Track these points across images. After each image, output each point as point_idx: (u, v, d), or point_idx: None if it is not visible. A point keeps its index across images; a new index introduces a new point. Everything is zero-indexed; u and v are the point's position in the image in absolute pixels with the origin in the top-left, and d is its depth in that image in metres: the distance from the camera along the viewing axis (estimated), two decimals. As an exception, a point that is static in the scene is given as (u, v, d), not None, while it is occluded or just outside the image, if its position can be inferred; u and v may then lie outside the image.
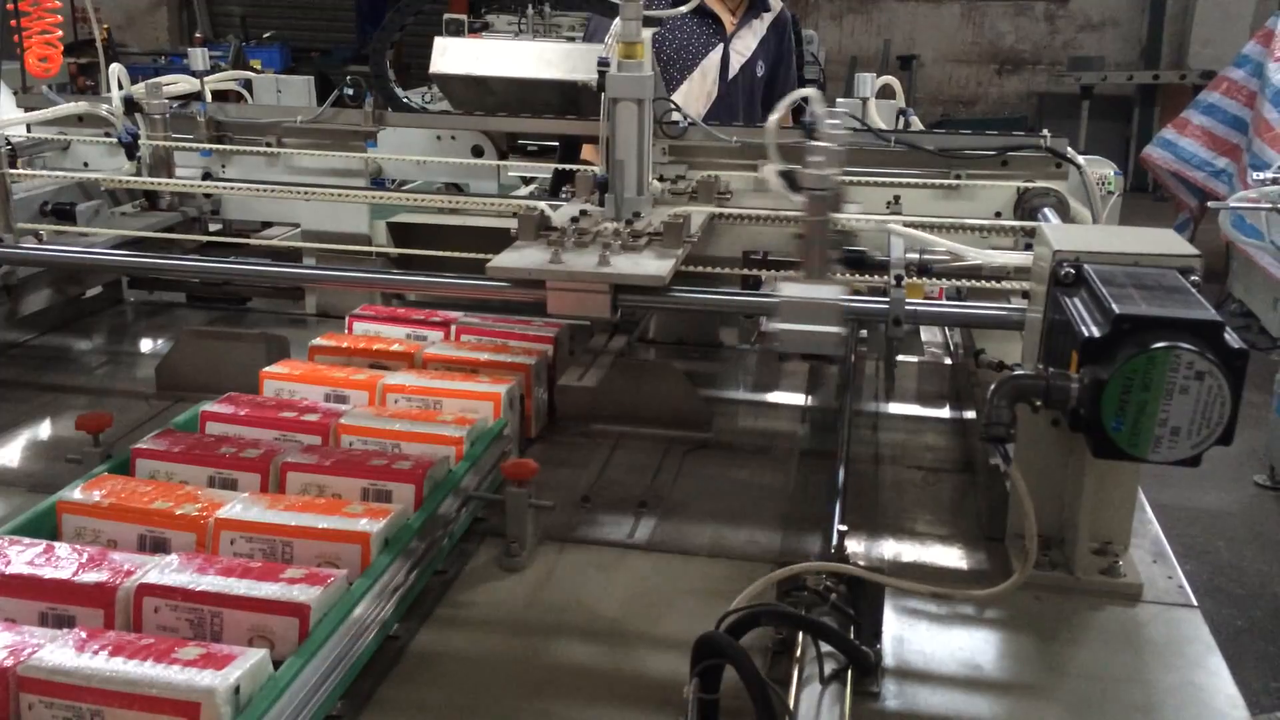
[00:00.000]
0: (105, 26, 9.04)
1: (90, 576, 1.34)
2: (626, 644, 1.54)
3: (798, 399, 2.41)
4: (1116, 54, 11.67)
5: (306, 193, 2.52)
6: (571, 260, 1.89)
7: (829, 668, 1.32)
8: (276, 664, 1.24)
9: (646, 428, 2.17)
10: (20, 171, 2.35)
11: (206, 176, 2.73)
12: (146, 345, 2.77)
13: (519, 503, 1.70)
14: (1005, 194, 2.48)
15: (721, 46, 3.85)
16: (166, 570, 1.36)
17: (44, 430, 2.20)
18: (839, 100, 2.64)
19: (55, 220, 2.37)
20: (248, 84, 3.08)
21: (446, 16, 7.42)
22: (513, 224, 2.04)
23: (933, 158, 2.53)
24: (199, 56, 2.81)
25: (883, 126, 2.67)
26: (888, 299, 1.87)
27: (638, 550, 1.77)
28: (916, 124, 2.96)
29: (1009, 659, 1.54)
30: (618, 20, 2.03)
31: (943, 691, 1.45)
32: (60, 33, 3.35)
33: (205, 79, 2.79)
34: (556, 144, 3.34)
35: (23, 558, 1.37)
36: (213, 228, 2.85)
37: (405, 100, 2.87)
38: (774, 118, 2.49)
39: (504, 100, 3.03)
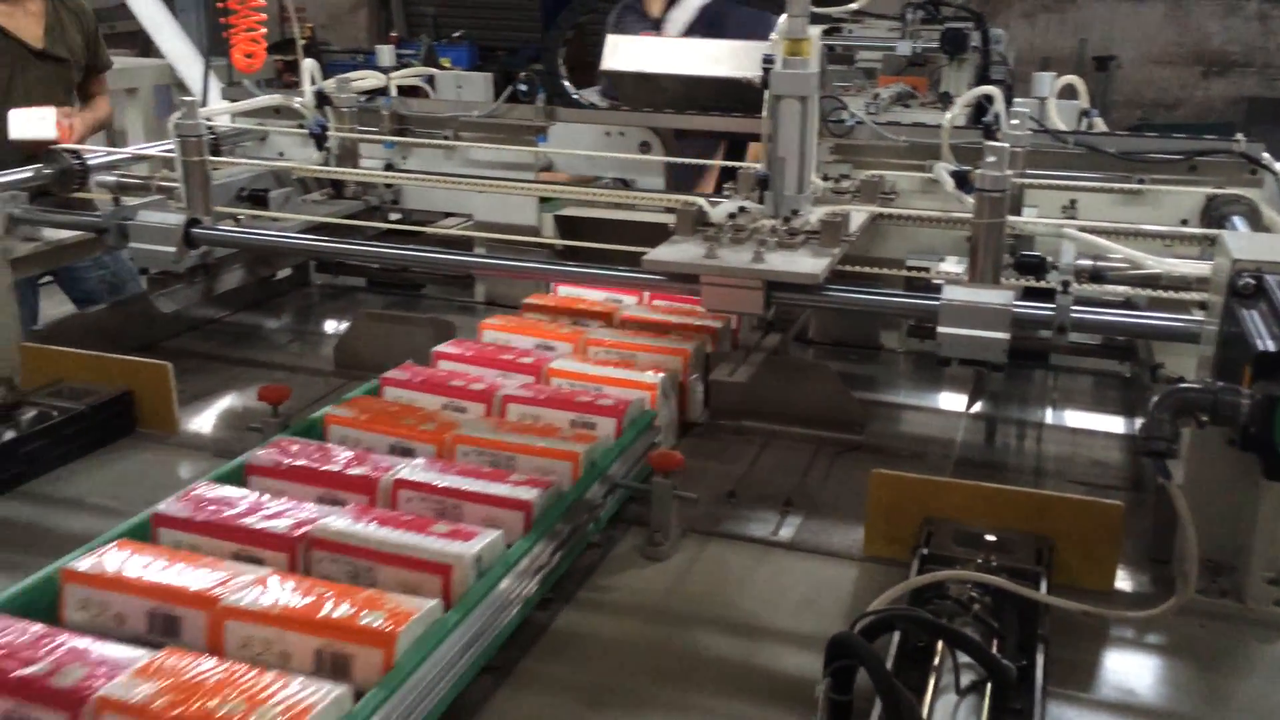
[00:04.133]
0: (309, 26, 9.56)
1: (356, 471, 1.61)
2: (763, 639, 1.54)
3: (957, 405, 2.35)
4: (1339, 55, 10.82)
5: (480, 184, 2.61)
6: (726, 255, 1.90)
7: (966, 679, 1.29)
8: (508, 547, 1.47)
9: (797, 427, 2.16)
10: (219, 159, 2.52)
11: (388, 167, 2.87)
12: (329, 326, 2.93)
13: (664, 493, 1.72)
14: (1193, 201, 2.34)
15: (652, 33, 3.65)
16: (416, 469, 1.61)
17: (231, 400, 2.35)
18: (1018, 100, 2.55)
19: (250, 205, 2.54)
20: (431, 80, 3.21)
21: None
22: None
23: (1114, 161, 2.41)
24: (386, 53, 2.95)
25: (1062, 127, 2.57)
26: (1054, 305, 1.80)
27: (780, 548, 1.77)
28: (1100, 126, 2.83)
29: (1166, 686, 1.47)
30: (784, 17, 2.03)
31: (1090, 714, 1.40)
32: (265, 30, 3.57)
33: (391, 75, 2.93)
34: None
35: (300, 453, 1.67)
36: (392, 217, 2.99)
37: (575, 97, 2.94)
38: (948, 116, 2.43)
39: (672, 97, 3.06)
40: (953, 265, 2.27)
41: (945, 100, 7.34)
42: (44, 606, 1.33)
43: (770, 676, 1.47)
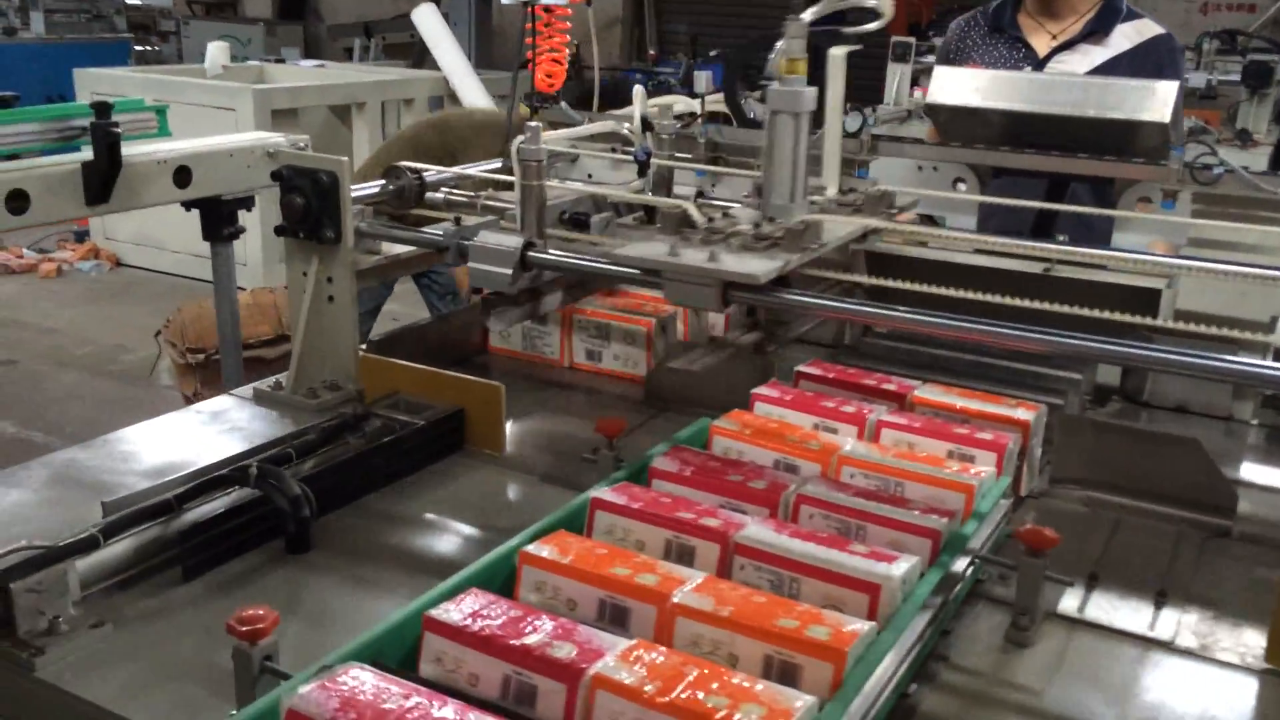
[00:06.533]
0: (575, 44, 9.85)
1: (757, 484, 1.66)
2: (1161, 755, 1.38)
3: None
4: None
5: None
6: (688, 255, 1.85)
7: None
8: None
9: (1155, 504, 1.97)
10: (551, 184, 2.55)
11: (699, 195, 2.83)
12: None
13: (1033, 573, 1.58)
14: None
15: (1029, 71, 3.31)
16: (816, 485, 1.66)
17: (543, 423, 2.36)
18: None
19: (570, 228, 2.55)
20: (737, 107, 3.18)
21: (894, 39, 7.34)
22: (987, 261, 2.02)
23: None
24: (703, 79, 2.92)
25: None
26: None
27: (1159, 647, 1.59)
28: None
29: None
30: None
31: None
32: (566, 51, 3.62)
33: (705, 100, 2.90)
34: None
35: (698, 461, 1.75)
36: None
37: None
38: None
39: (995, 133, 2.92)
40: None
41: (1244, 138, 6.77)
42: (500, 583, 1.44)
43: (1174, 801, 1.31)
